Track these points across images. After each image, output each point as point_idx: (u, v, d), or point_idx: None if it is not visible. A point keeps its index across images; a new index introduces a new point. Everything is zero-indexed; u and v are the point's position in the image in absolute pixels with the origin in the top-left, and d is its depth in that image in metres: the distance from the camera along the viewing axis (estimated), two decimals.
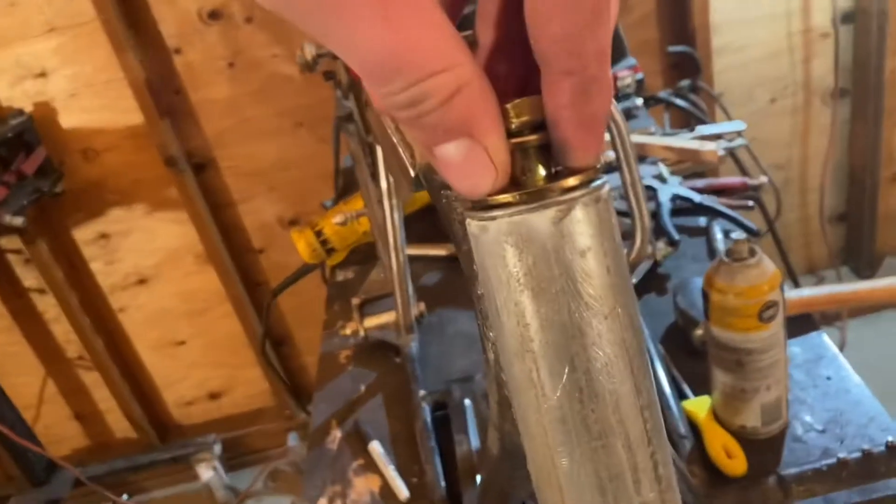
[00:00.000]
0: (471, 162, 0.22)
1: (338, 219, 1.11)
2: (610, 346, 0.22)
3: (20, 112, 1.87)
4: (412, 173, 0.44)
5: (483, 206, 0.23)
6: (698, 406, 0.82)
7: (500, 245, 0.22)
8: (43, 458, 2.18)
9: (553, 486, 0.24)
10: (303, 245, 1.24)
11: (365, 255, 1.31)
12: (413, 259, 1.25)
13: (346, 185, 1.51)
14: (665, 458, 0.24)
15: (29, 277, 2.17)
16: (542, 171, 0.23)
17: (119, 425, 2.46)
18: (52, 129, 1.95)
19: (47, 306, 2.22)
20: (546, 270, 0.22)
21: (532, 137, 0.24)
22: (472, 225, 0.23)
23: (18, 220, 1.72)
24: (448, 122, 0.22)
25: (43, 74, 1.89)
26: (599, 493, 0.23)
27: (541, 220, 0.22)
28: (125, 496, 2.36)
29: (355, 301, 1.10)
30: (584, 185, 0.23)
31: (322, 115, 1.96)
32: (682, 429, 0.80)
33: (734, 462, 0.75)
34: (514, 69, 0.26)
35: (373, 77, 0.21)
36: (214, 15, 1.86)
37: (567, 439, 0.23)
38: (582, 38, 0.22)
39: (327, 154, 1.78)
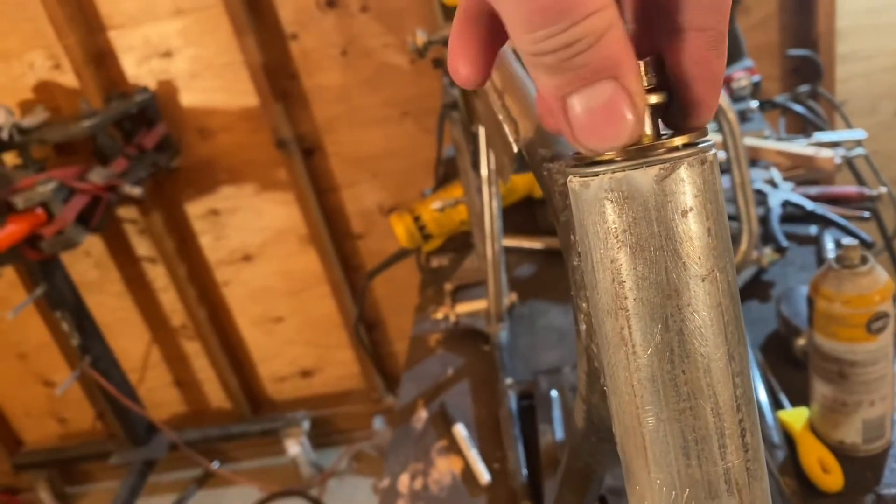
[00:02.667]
0: (613, 106, 0.22)
1: (436, 205, 1.13)
2: (705, 309, 0.22)
3: (145, 89, 1.98)
4: (515, 149, 0.44)
5: (586, 162, 0.23)
6: (795, 417, 0.79)
7: (601, 201, 0.22)
8: (143, 420, 2.30)
9: (638, 446, 0.24)
10: (401, 229, 1.27)
11: (460, 243, 1.32)
12: (508, 250, 1.26)
13: (446, 175, 1.53)
14: (754, 427, 0.24)
15: (142, 247, 2.29)
16: (649, 130, 0.23)
17: (215, 395, 2.56)
18: (173, 106, 2.06)
19: (157, 275, 2.34)
20: (645, 228, 0.22)
21: (659, 97, 0.24)
22: (574, 182, 0.23)
23: (137, 191, 1.83)
24: (597, 61, 0.22)
25: (168, 54, 2.00)
26: (684, 455, 0.23)
27: (644, 177, 0.22)
28: (216, 463, 2.46)
29: (448, 286, 1.11)
30: (690, 145, 0.23)
31: (428, 106, 1.98)
32: (777, 438, 0.78)
33: (830, 477, 0.72)
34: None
35: (533, 22, 0.22)
36: (331, 3, 1.92)
37: (655, 399, 0.23)
38: None
39: (430, 145, 1.81)
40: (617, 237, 0.22)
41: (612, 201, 0.22)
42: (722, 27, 0.24)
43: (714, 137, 1.13)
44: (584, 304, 0.33)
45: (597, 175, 0.22)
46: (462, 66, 0.27)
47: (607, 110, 0.22)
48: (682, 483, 0.23)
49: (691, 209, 0.22)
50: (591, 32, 0.21)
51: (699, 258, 0.22)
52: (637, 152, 0.22)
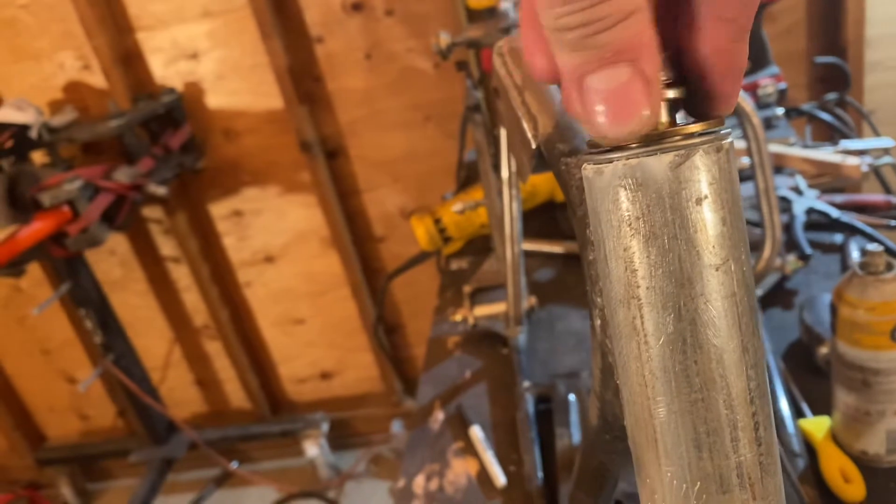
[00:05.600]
0: (629, 90, 0.22)
1: (456, 207, 1.13)
2: (719, 299, 0.22)
3: (172, 90, 2.00)
4: (533, 145, 0.44)
5: (599, 149, 0.23)
6: (816, 426, 0.78)
7: (615, 188, 0.22)
8: (164, 418, 2.32)
9: (649, 438, 0.24)
10: (421, 231, 1.27)
11: (480, 246, 1.32)
12: (528, 254, 1.25)
13: (467, 178, 1.53)
14: (767, 421, 0.23)
15: (166, 246, 2.31)
16: (664, 117, 0.23)
17: (235, 395, 2.58)
18: (199, 108, 2.08)
19: (180, 275, 2.36)
20: (659, 216, 0.22)
21: (677, 92, 0.24)
22: (588, 169, 0.23)
23: (162, 190, 1.85)
24: (619, 41, 0.22)
25: (195, 56, 2.02)
26: (695, 447, 0.23)
27: (658, 164, 0.22)
28: (235, 463, 2.47)
29: (467, 289, 1.11)
30: (707, 133, 0.22)
31: (451, 110, 1.99)
32: (797, 447, 0.76)
33: (851, 487, 0.71)
34: None
35: None
36: (357, 6, 1.93)
37: (667, 390, 0.23)
38: None
39: (452, 149, 1.81)
40: (630, 225, 0.22)
41: (625, 188, 0.22)
42: (745, 21, 0.24)
43: (738, 144, 1.12)
44: (598, 300, 0.33)
45: (611, 162, 0.22)
46: (538, 59, 0.26)
47: (622, 93, 0.22)
48: (693, 476, 0.23)
49: (706, 197, 0.22)
50: (617, 11, 0.21)
51: (713, 247, 0.22)
52: (652, 138, 0.22)
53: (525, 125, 0.45)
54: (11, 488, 2.71)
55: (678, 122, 0.24)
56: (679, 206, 0.22)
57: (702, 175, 0.22)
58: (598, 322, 0.33)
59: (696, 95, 0.25)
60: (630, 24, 0.21)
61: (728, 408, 0.22)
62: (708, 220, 0.22)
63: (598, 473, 0.40)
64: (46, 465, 2.62)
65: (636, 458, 0.25)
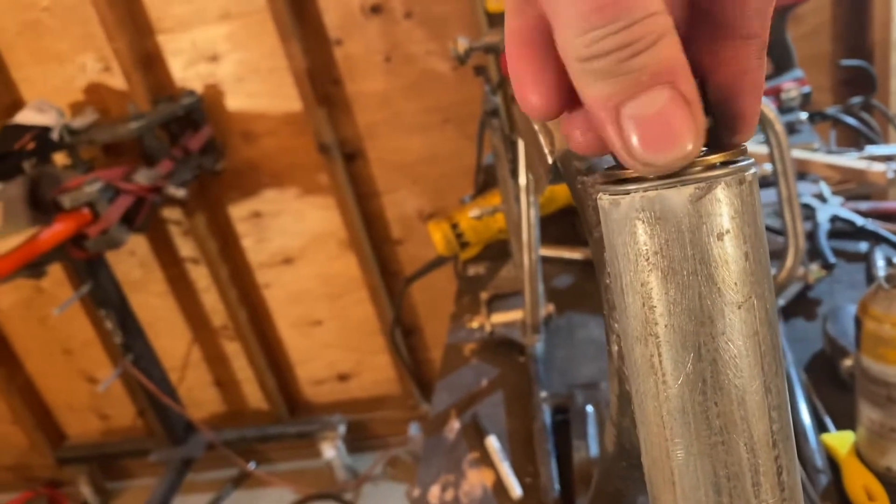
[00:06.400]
0: (671, 113, 0.21)
1: (474, 212, 1.12)
2: (741, 338, 0.21)
3: (191, 92, 2.01)
4: (550, 160, 0.43)
5: (617, 179, 0.22)
6: (840, 441, 0.76)
7: (632, 221, 0.21)
8: (182, 419, 2.34)
9: (666, 480, 0.23)
10: (439, 236, 1.26)
11: (498, 251, 1.31)
12: (547, 260, 1.24)
13: (485, 182, 1.52)
14: (791, 465, 0.22)
15: (186, 248, 2.32)
16: None
17: (253, 396, 2.59)
18: (218, 110, 2.09)
19: (199, 276, 2.37)
20: (678, 251, 0.21)
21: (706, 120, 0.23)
22: (604, 199, 0.22)
23: (181, 192, 1.85)
24: (656, 63, 0.21)
25: (215, 58, 2.02)
26: (714, 492, 0.22)
27: (678, 196, 0.21)
28: (252, 463, 2.48)
29: (484, 295, 1.10)
30: (728, 163, 0.21)
31: (469, 112, 1.98)
32: (820, 462, 0.75)
33: None
34: None
35: (590, 21, 0.20)
36: (376, 9, 1.93)
37: (685, 431, 0.22)
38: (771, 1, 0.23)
39: (471, 152, 1.80)
40: (648, 259, 0.21)
41: (643, 221, 0.21)
42: (766, 35, 0.24)
43: (761, 149, 1.10)
44: (615, 325, 0.32)
45: (628, 193, 0.21)
46: (532, 95, 0.25)
47: (664, 118, 0.21)
48: None
49: (728, 232, 0.21)
50: (651, 32, 0.20)
51: (735, 284, 0.21)
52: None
53: (542, 139, 0.45)
54: (32, 486, 2.73)
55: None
56: (699, 241, 0.21)
57: (724, 209, 0.21)
58: (615, 348, 0.32)
59: (719, 119, 0.24)
60: (665, 44, 0.21)
61: (749, 451, 0.21)
62: (730, 255, 0.21)
63: (615, 499, 0.39)
64: (66, 464, 2.65)
65: (652, 498, 0.24)
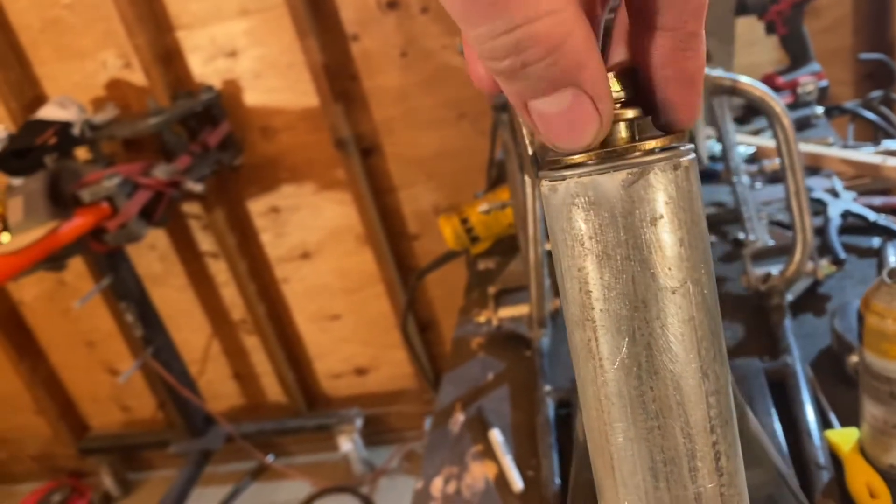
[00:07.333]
0: (575, 112, 0.21)
1: (483, 207, 1.12)
2: (676, 322, 0.21)
3: (210, 88, 2.03)
4: (529, 151, 0.43)
5: (556, 165, 0.22)
6: (843, 438, 0.75)
7: (568, 206, 0.21)
8: (202, 411, 2.36)
9: (606, 464, 0.23)
10: (449, 231, 1.26)
11: (508, 246, 1.31)
12: None
13: (498, 177, 1.52)
14: (731, 450, 0.22)
15: (205, 242, 2.35)
16: (623, 133, 0.22)
17: (272, 389, 2.61)
18: (237, 106, 2.10)
19: (219, 270, 2.39)
20: (612, 236, 0.21)
21: (634, 111, 0.23)
22: (544, 186, 0.22)
23: (199, 187, 1.87)
24: (555, 72, 0.20)
25: (233, 54, 2.04)
26: (652, 476, 0.22)
27: (611, 182, 0.21)
28: (271, 456, 2.50)
29: (491, 290, 1.10)
30: (664, 149, 0.21)
31: (485, 107, 1.98)
32: (822, 459, 0.74)
33: (878, 502, 0.68)
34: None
35: (470, 15, 0.20)
36: (392, 4, 1.93)
37: (622, 415, 0.22)
38: None
39: (486, 147, 1.80)
40: (583, 244, 0.21)
41: (578, 206, 0.21)
42: (691, 27, 0.23)
43: (769, 143, 1.08)
44: None
45: (564, 179, 0.21)
46: (472, 74, 0.25)
47: (569, 116, 0.21)
48: None
49: (661, 217, 0.21)
50: (544, 39, 0.19)
51: (669, 269, 0.21)
52: (607, 155, 0.21)
53: (524, 130, 0.45)
54: (55, 476, 2.78)
55: (637, 136, 0.23)
56: (632, 226, 0.21)
57: (657, 194, 0.21)
58: None
59: (651, 109, 0.24)
60: (566, 50, 0.20)
61: (686, 436, 0.21)
62: (663, 240, 0.21)
63: (591, 488, 0.39)
64: (89, 455, 2.69)
65: (597, 483, 0.24)
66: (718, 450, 0.22)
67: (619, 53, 0.25)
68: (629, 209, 0.21)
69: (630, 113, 0.23)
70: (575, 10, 0.20)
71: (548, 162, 0.23)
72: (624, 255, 0.21)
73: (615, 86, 0.22)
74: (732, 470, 0.22)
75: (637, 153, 0.21)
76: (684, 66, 0.23)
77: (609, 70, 0.22)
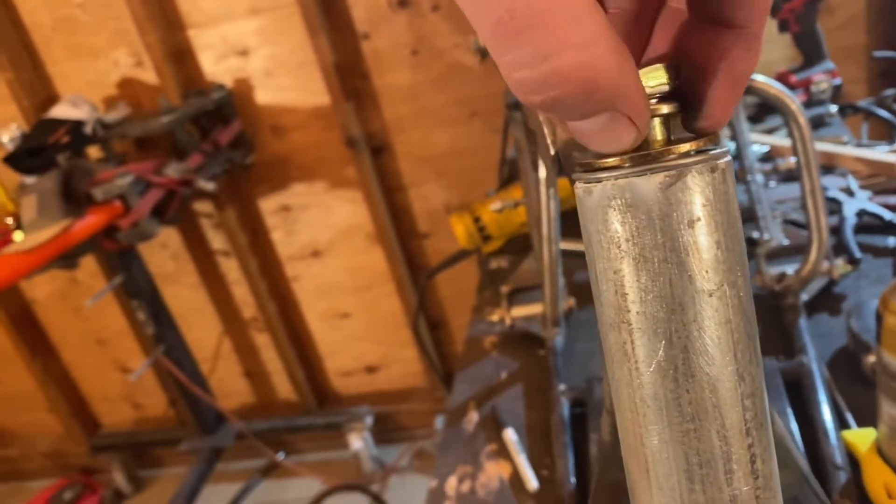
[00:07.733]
0: (612, 129, 0.21)
1: (495, 206, 1.12)
2: (713, 325, 0.21)
3: (221, 87, 2.03)
4: (552, 151, 0.43)
5: (591, 167, 0.22)
6: (861, 438, 0.75)
7: (604, 208, 0.21)
8: (212, 409, 2.37)
9: (641, 466, 0.23)
10: (461, 229, 1.26)
11: (521, 245, 1.31)
12: (568, 254, 1.23)
13: (510, 175, 1.52)
14: (766, 454, 0.22)
15: (217, 240, 2.36)
16: (659, 136, 0.22)
17: (282, 387, 2.62)
18: (248, 104, 2.11)
19: (230, 269, 2.40)
20: (650, 238, 0.21)
21: (671, 107, 0.23)
22: (579, 187, 0.22)
23: (210, 186, 1.88)
24: (588, 108, 0.20)
25: (244, 53, 2.05)
26: (687, 479, 0.22)
27: (648, 184, 0.21)
28: (281, 454, 2.51)
29: (504, 289, 1.10)
30: (700, 151, 0.21)
31: (496, 106, 1.97)
32: (839, 460, 0.74)
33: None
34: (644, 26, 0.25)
35: (498, 41, 0.19)
36: (403, 3, 1.93)
37: (658, 418, 0.22)
38: None
39: (498, 145, 1.80)
40: (620, 247, 0.21)
41: (614, 209, 0.21)
42: (756, 27, 0.23)
43: (784, 142, 1.08)
44: None
45: (600, 181, 0.21)
46: None
47: (605, 133, 0.21)
48: None
49: (699, 219, 0.21)
50: (575, 77, 0.19)
51: (706, 272, 0.21)
52: (643, 158, 0.21)
53: (545, 129, 0.45)
54: (67, 473, 2.80)
55: (673, 137, 0.23)
56: (670, 229, 0.21)
57: (694, 196, 0.21)
58: None
59: (692, 104, 0.23)
60: (601, 87, 0.19)
61: (721, 439, 0.21)
62: (701, 243, 0.21)
63: (614, 489, 0.39)
64: (100, 452, 2.70)
65: (630, 485, 0.24)
66: (754, 452, 0.22)
67: (661, 44, 0.25)
68: (666, 212, 0.21)
69: (665, 108, 0.22)
70: (608, 40, 0.19)
71: (581, 164, 0.23)
72: (661, 258, 0.21)
73: (663, 77, 0.22)
74: (768, 473, 0.22)
75: (673, 156, 0.21)
76: (739, 66, 0.23)
77: (657, 61, 0.22)
